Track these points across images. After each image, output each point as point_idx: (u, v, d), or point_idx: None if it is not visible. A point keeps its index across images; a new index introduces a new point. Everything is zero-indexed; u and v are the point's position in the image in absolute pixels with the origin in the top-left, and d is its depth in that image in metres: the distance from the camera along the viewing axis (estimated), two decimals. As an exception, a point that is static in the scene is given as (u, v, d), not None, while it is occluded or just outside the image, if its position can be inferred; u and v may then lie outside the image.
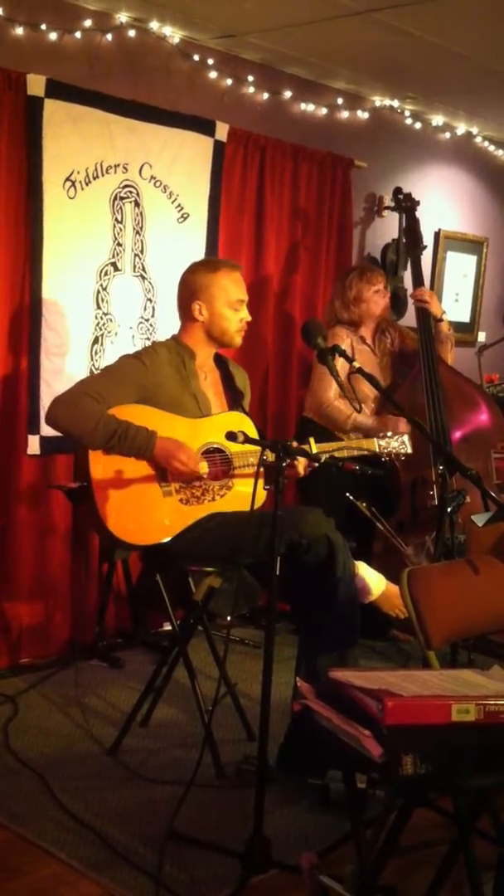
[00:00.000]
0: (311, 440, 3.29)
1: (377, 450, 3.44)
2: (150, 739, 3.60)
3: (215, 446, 3.37)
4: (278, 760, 3.26)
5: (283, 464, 2.75)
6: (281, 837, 2.84)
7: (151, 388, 3.35)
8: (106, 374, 3.46)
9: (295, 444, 3.19)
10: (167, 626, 4.62)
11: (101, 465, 3.25)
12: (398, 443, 3.46)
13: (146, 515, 3.29)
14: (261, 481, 2.87)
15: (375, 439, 3.47)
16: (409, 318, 5.44)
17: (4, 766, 3.33)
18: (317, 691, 2.38)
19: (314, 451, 3.28)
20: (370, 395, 4.56)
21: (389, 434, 3.48)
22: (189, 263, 3.60)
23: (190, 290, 3.49)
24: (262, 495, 3.19)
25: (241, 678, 4.13)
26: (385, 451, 3.45)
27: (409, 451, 3.48)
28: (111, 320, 4.52)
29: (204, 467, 3.32)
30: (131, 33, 4.40)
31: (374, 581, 3.36)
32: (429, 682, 2.28)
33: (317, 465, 3.16)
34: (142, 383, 3.35)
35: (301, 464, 3.23)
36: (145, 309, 4.64)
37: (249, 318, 3.54)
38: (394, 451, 3.46)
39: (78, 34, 4.21)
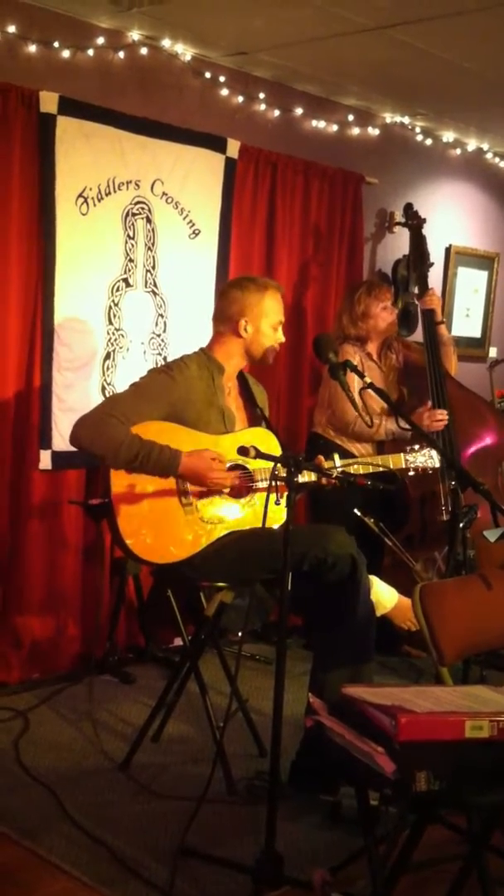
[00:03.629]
0: (336, 456, 3.29)
1: (404, 465, 3.44)
2: (162, 755, 3.59)
3: (238, 462, 3.37)
4: (290, 776, 3.25)
5: (295, 478, 2.75)
6: (293, 853, 2.82)
7: (180, 403, 3.35)
8: (134, 391, 3.39)
9: (321, 458, 3.21)
10: (178, 642, 4.62)
11: (122, 482, 3.24)
12: (425, 457, 3.46)
13: (168, 533, 3.28)
14: (273, 496, 2.85)
15: (402, 455, 3.46)
16: (417, 334, 5.46)
17: (15, 780, 3.32)
18: (330, 707, 2.37)
19: (338, 466, 3.28)
20: (377, 411, 4.56)
21: (416, 448, 3.47)
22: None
23: (238, 306, 3.48)
24: (280, 512, 3.19)
25: (253, 694, 4.12)
26: (412, 466, 3.45)
27: (437, 465, 3.48)
28: (123, 336, 4.53)
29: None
30: (143, 51, 4.43)
31: (386, 595, 3.36)
32: (442, 699, 2.28)
33: (332, 479, 3.16)
34: (170, 399, 3.34)
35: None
36: (157, 325, 4.65)
37: (283, 340, 3.57)
38: (420, 465, 3.46)
39: (90, 52, 4.24)
